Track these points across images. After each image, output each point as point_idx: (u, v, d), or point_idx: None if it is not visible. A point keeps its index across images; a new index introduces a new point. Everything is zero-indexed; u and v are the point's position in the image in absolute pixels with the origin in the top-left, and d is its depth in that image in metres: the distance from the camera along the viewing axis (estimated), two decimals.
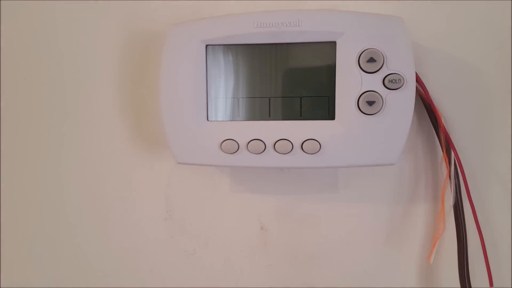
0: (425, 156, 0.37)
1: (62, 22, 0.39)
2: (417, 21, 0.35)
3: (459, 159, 0.34)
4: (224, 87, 0.33)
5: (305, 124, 0.33)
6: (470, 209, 0.34)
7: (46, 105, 0.40)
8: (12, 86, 0.40)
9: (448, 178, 0.35)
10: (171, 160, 0.38)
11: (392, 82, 0.31)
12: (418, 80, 0.34)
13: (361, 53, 0.31)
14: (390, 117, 0.31)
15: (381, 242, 0.38)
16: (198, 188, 0.39)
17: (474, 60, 0.36)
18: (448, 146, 0.34)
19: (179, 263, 0.40)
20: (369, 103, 0.31)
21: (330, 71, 0.32)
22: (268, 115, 0.33)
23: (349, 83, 0.32)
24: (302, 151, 0.32)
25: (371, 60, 0.31)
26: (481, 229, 0.34)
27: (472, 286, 0.35)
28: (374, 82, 0.31)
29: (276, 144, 0.32)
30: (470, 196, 0.34)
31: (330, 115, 0.32)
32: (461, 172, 0.34)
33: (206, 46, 0.33)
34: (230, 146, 0.33)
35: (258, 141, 0.32)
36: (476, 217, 0.34)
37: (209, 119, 0.33)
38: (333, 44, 0.32)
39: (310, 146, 0.32)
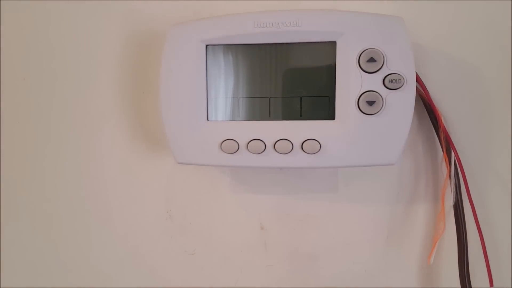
0: (425, 156, 0.37)
1: (62, 22, 0.39)
2: (417, 21, 0.35)
3: (459, 159, 0.34)
4: (224, 87, 0.33)
5: (305, 124, 0.33)
6: (470, 209, 0.34)
7: (46, 105, 0.40)
8: (12, 86, 0.40)
9: (448, 178, 0.35)
10: (171, 160, 0.38)
11: (392, 82, 0.31)
12: (418, 80, 0.34)
13: (361, 53, 0.31)
14: (390, 117, 0.31)
15: (381, 242, 0.38)
16: (198, 188, 0.39)
17: (474, 60, 0.36)
18: (448, 146, 0.34)
19: (179, 263, 0.40)
20: (369, 103, 0.31)
21: (330, 71, 0.32)
22: (268, 115, 0.33)
23: (349, 83, 0.32)
24: (302, 151, 0.32)
25: (371, 60, 0.31)
26: (481, 229, 0.34)
27: (472, 286, 0.35)
28: (374, 82, 0.31)
29: (276, 144, 0.32)
30: (470, 196, 0.34)
31: (330, 115, 0.32)
32: (461, 172, 0.34)
33: (206, 46, 0.33)
34: (230, 146, 0.33)
35: (258, 141, 0.32)
36: (476, 217, 0.34)
37: (209, 119, 0.33)
38: (333, 44, 0.32)
39: (310, 146, 0.32)
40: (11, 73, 0.40)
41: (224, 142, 0.33)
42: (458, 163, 0.34)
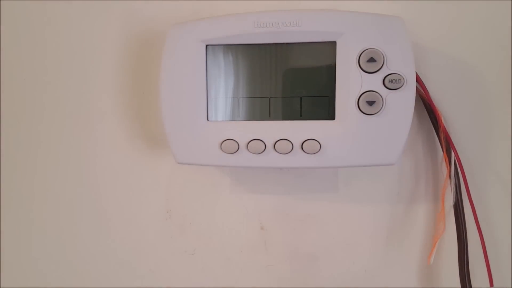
0: (425, 156, 0.37)
1: (62, 22, 0.39)
2: (417, 21, 0.35)
3: (459, 159, 0.34)
4: (224, 87, 0.33)
5: (305, 124, 0.33)
6: (470, 209, 0.34)
7: (46, 105, 0.40)
8: (12, 86, 0.40)
9: (448, 178, 0.35)
10: (171, 160, 0.38)
11: (392, 82, 0.31)
12: (418, 80, 0.34)
13: (361, 53, 0.31)
14: (390, 117, 0.31)
15: (381, 242, 0.38)
16: (198, 188, 0.39)
17: (474, 60, 0.36)
18: (448, 146, 0.34)
19: (179, 263, 0.40)
20: (369, 103, 0.31)
21: (330, 71, 0.32)
22: (268, 115, 0.33)
23: (349, 83, 0.32)
24: (302, 151, 0.32)
25: (371, 60, 0.31)
26: (481, 229, 0.34)
27: (472, 286, 0.35)
28: (374, 82, 0.31)
29: (276, 144, 0.32)
30: (470, 196, 0.34)
31: (330, 115, 0.32)
32: (461, 172, 0.34)
33: (206, 46, 0.33)
34: (230, 146, 0.33)
35: (258, 141, 0.32)
36: (476, 217, 0.34)
37: (209, 119, 0.33)
38: (333, 44, 0.32)
39: (310, 146, 0.32)
40: (11, 73, 0.40)
41: (224, 142, 0.33)
42: (458, 163, 0.34)
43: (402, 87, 0.31)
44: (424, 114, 0.36)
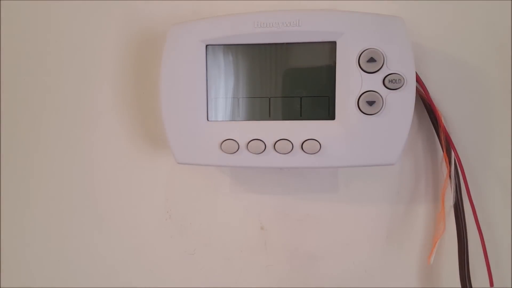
0: (425, 156, 0.37)
1: (62, 22, 0.39)
2: (417, 21, 0.35)
3: (459, 159, 0.34)
4: (224, 87, 0.33)
5: (305, 124, 0.33)
6: (470, 209, 0.34)
7: (46, 105, 0.40)
8: (12, 86, 0.40)
9: (448, 178, 0.35)
10: (171, 160, 0.38)
11: (392, 82, 0.31)
12: (418, 80, 0.34)
13: (361, 53, 0.31)
14: (390, 117, 0.31)
15: (381, 242, 0.38)
16: (198, 188, 0.39)
17: (474, 60, 0.36)
18: (448, 146, 0.34)
19: (179, 263, 0.40)
20: (369, 103, 0.31)
21: (330, 71, 0.32)
22: (268, 115, 0.33)
23: (349, 83, 0.32)
24: (302, 151, 0.32)
25: (371, 60, 0.31)
26: (481, 229, 0.34)
27: (472, 286, 0.35)
28: (374, 82, 0.31)
29: (276, 144, 0.32)
30: (470, 196, 0.34)
31: (330, 115, 0.32)
32: (461, 172, 0.34)
33: (206, 46, 0.33)
34: (230, 146, 0.33)
35: (258, 141, 0.32)
36: (476, 217, 0.34)
37: (209, 119, 0.33)
38: (333, 44, 0.32)
39: (310, 146, 0.32)
40: (11, 73, 0.40)
41: (224, 142, 0.33)
42: (458, 163, 0.34)
43: (402, 87, 0.31)
44: (424, 114, 0.36)
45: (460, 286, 0.35)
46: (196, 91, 0.33)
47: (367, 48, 0.31)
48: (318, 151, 0.32)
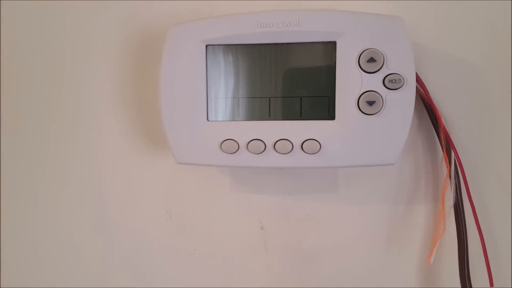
0: (425, 156, 0.37)
1: (62, 22, 0.39)
2: (417, 21, 0.35)
3: (459, 159, 0.34)
4: (224, 87, 0.33)
5: (305, 124, 0.33)
6: (470, 209, 0.34)
7: (46, 105, 0.40)
8: (12, 86, 0.40)
9: (448, 178, 0.35)
10: (171, 160, 0.38)
11: (392, 82, 0.31)
12: (418, 80, 0.34)
13: (361, 53, 0.31)
14: (390, 117, 0.31)
15: (381, 242, 0.38)
16: (198, 188, 0.39)
17: (474, 60, 0.36)
18: (448, 146, 0.34)
19: (179, 263, 0.40)
20: (369, 103, 0.31)
21: (330, 71, 0.32)
22: (268, 115, 0.33)
23: (349, 83, 0.32)
24: (302, 151, 0.32)
25: (371, 60, 0.31)
26: (481, 229, 0.34)
27: (472, 286, 0.35)
28: (374, 82, 0.31)
29: (276, 144, 0.32)
30: (470, 196, 0.34)
31: (330, 115, 0.32)
32: (461, 172, 0.34)
33: (206, 46, 0.33)
34: (230, 146, 0.33)
35: (258, 141, 0.32)
36: (476, 217, 0.34)
37: (209, 119, 0.33)
38: (333, 44, 0.32)
39: (310, 146, 0.32)
40: (11, 73, 0.40)
41: (224, 142, 0.33)
42: (458, 163, 0.34)
43: (402, 87, 0.31)
44: (424, 114, 0.36)
45: (460, 286, 0.35)
46: (196, 91, 0.33)
47: (367, 48, 0.31)
48: (318, 151, 0.32)
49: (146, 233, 0.40)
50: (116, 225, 0.41)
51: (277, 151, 0.32)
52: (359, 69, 0.31)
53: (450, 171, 0.35)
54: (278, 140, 0.32)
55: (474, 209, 0.34)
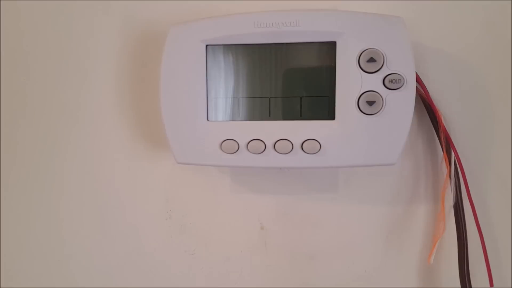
0: (425, 156, 0.37)
1: (62, 22, 0.39)
2: (417, 21, 0.35)
3: (459, 159, 0.34)
4: (224, 87, 0.33)
5: (305, 124, 0.33)
6: (470, 209, 0.34)
7: (46, 105, 0.40)
8: (12, 86, 0.40)
9: (448, 178, 0.35)
10: (171, 160, 0.38)
11: (392, 82, 0.31)
12: (418, 80, 0.34)
13: (361, 53, 0.31)
14: (390, 117, 0.31)
15: (381, 242, 0.38)
16: (198, 188, 0.39)
17: (474, 60, 0.36)
18: (448, 146, 0.34)
19: (179, 263, 0.40)
20: (369, 103, 0.31)
21: (330, 71, 0.32)
22: (268, 115, 0.33)
23: (349, 83, 0.32)
24: (302, 151, 0.32)
25: (371, 60, 0.31)
26: (481, 229, 0.34)
27: (472, 286, 0.35)
28: (374, 82, 0.31)
29: (276, 144, 0.32)
30: (470, 196, 0.34)
31: (330, 115, 0.32)
32: (461, 172, 0.34)
33: (206, 46, 0.33)
34: (230, 146, 0.33)
35: (258, 141, 0.32)
36: (476, 217, 0.34)
37: (209, 119, 0.33)
38: (333, 44, 0.32)
39: (310, 146, 0.32)
40: (11, 73, 0.40)
41: (224, 142, 0.33)
42: (458, 163, 0.34)
43: (402, 87, 0.31)
44: (424, 114, 0.36)
45: (460, 286, 0.35)
46: (196, 91, 0.33)
47: (367, 48, 0.31)
48: (318, 151, 0.32)
49: (146, 233, 0.40)
50: (116, 225, 0.41)
51: (277, 151, 0.32)
52: (359, 69, 0.31)
53: (450, 171, 0.35)
54: (278, 140, 0.32)
55: (474, 209, 0.34)
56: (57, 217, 0.41)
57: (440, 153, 0.37)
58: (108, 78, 0.39)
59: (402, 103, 0.31)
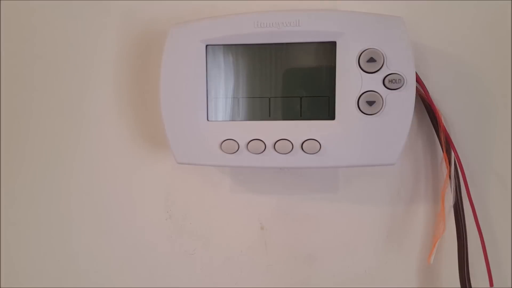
0: (425, 156, 0.37)
1: (62, 22, 0.39)
2: (417, 21, 0.35)
3: (459, 159, 0.34)
4: (224, 87, 0.33)
5: (305, 124, 0.33)
6: (470, 209, 0.34)
7: (46, 105, 0.40)
8: (12, 86, 0.40)
9: (448, 178, 0.35)
10: (171, 160, 0.38)
11: (392, 82, 0.31)
12: (418, 80, 0.34)
13: (361, 53, 0.31)
14: (390, 117, 0.31)
15: (381, 242, 0.38)
16: (198, 188, 0.39)
17: (474, 60, 0.36)
18: (448, 146, 0.34)
19: (179, 263, 0.40)
20: (369, 103, 0.31)
21: (330, 71, 0.32)
22: (268, 115, 0.33)
23: (349, 83, 0.32)
24: (302, 151, 0.32)
25: (371, 60, 0.31)
26: (481, 229, 0.34)
27: (472, 286, 0.35)
28: (374, 82, 0.31)
29: (276, 144, 0.32)
30: (470, 196, 0.34)
31: (330, 115, 0.32)
32: (461, 172, 0.34)
33: (206, 46, 0.33)
34: (230, 146, 0.33)
35: (258, 141, 0.32)
36: (476, 217, 0.34)
37: (209, 119, 0.33)
38: (333, 44, 0.32)
39: (310, 146, 0.32)
40: (11, 73, 0.40)
41: (224, 142, 0.33)
42: (458, 163, 0.34)
43: (402, 87, 0.31)
44: (424, 114, 0.36)
45: (460, 286, 0.35)
46: (196, 91, 0.33)
47: (367, 48, 0.31)
48: (318, 151, 0.32)
49: (146, 233, 0.40)
50: (116, 225, 0.41)
51: (277, 151, 0.32)
52: (359, 69, 0.31)
53: (450, 171, 0.35)
54: (278, 140, 0.32)
55: (474, 209, 0.34)
56: (57, 217, 0.41)
57: (440, 153, 0.37)
58: (108, 78, 0.39)
59: (402, 103, 0.31)
